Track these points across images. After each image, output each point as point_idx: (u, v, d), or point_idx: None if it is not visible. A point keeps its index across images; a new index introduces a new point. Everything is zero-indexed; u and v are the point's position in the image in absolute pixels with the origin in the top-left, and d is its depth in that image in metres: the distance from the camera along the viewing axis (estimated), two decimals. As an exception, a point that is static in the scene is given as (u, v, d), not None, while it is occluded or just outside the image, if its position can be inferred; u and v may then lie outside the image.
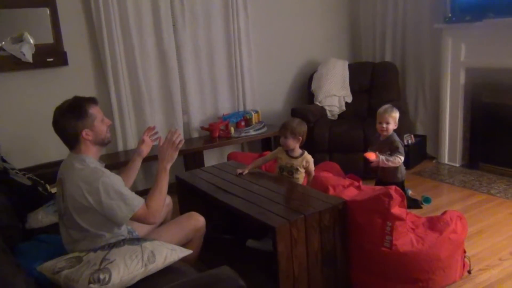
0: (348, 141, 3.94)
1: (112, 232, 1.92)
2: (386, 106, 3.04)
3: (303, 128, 2.72)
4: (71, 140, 1.92)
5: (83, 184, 1.83)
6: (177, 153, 2.13)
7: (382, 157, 2.91)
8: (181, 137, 2.15)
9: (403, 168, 3.07)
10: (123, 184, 1.92)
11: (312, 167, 2.76)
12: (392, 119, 2.97)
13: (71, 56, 3.55)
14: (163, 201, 2.04)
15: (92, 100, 1.97)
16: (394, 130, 3.03)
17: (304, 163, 2.72)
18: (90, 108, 1.93)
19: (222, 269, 1.56)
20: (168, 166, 2.10)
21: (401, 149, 2.97)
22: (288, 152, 2.75)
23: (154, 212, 1.97)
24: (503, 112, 3.84)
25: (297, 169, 2.72)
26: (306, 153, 2.76)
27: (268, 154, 2.97)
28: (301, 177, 2.76)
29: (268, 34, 4.51)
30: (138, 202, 1.91)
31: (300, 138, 2.71)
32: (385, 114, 2.97)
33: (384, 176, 3.04)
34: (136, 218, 1.92)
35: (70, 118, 1.88)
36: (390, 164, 2.92)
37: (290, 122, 2.72)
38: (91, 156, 1.94)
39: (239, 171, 2.84)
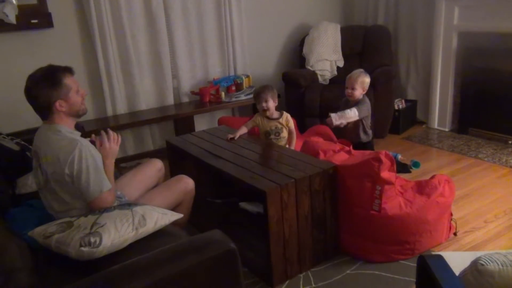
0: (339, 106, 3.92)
1: None
2: (357, 71, 2.99)
3: (275, 89, 2.90)
4: (44, 110, 1.86)
5: (62, 155, 1.79)
6: (118, 146, 2.03)
7: (333, 115, 2.87)
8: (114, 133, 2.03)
9: (368, 129, 3.05)
10: (101, 161, 1.89)
11: (292, 125, 2.91)
12: (359, 84, 2.93)
13: (56, 18, 3.44)
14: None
15: (67, 70, 1.89)
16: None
17: (286, 121, 2.88)
18: (65, 78, 1.85)
19: (213, 233, 1.57)
20: (113, 161, 2.00)
21: (362, 106, 2.92)
22: (268, 115, 2.86)
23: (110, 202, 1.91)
24: (493, 77, 3.83)
25: (282, 128, 2.88)
26: (284, 112, 2.91)
27: (247, 122, 2.98)
28: (286, 135, 2.91)
29: (259, -5, 4.40)
30: (108, 185, 1.87)
31: (277, 99, 2.89)
32: (351, 80, 2.94)
33: (347, 137, 3.02)
34: (97, 200, 1.84)
35: (43, 87, 1.82)
36: (347, 118, 2.88)
37: (265, 89, 2.84)
38: (66, 126, 1.88)
39: (230, 136, 2.84)
